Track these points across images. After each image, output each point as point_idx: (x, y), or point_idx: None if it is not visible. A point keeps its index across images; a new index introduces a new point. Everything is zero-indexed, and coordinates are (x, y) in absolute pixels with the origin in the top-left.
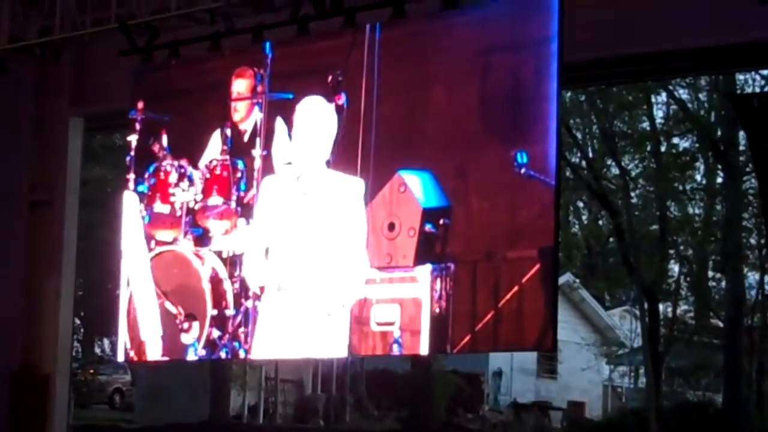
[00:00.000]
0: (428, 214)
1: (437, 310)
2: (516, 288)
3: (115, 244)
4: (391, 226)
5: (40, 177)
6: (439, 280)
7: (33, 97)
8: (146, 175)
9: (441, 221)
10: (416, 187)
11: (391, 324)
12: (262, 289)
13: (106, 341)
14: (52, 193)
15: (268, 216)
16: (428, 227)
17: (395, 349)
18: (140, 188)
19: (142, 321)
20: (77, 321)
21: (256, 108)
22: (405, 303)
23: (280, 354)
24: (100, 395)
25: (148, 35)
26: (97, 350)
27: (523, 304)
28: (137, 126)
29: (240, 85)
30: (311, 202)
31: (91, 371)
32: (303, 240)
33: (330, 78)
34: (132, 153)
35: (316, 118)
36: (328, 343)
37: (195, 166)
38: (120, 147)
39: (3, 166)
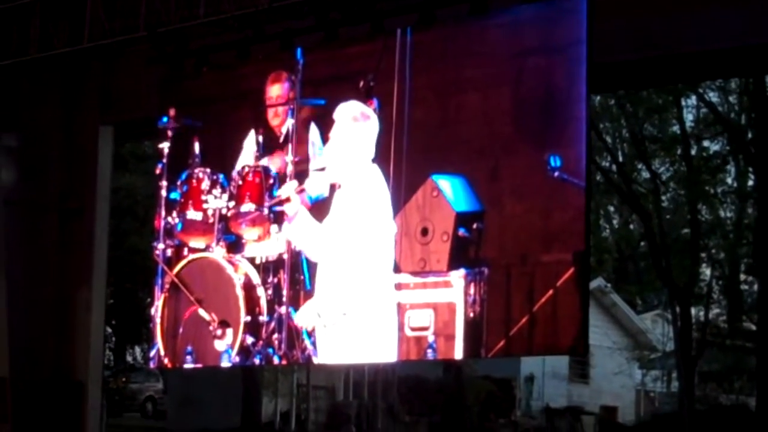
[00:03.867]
0: (462, 219)
1: (471, 315)
2: (551, 292)
3: (148, 251)
4: (425, 231)
5: (71, 185)
6: (473, 285)
7: (62, 106)
8: (179, 183)
9: (474, 225)
10: (449, 191)
11: (426, 329)
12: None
13: (137, 349)
14: (83, 201)
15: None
16: (462, 231)
17: (429, 354)
18: (173, 196)
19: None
20: (108, 329)
21: (289, 113)
22: (439, 308)
23: (340, 359)
24: (132, 403)
25: (176, 43)
26: (129, 358)
27: (558, 308)
28: (169, 133)
29: (275, 90)
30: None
31: (123, 379)
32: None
33: (362, 83)
34: (164, 160)
35: (348, 123)
36: (374, 348)
37: (227, 173)
38: (149, 155)
39: (33, 175)
